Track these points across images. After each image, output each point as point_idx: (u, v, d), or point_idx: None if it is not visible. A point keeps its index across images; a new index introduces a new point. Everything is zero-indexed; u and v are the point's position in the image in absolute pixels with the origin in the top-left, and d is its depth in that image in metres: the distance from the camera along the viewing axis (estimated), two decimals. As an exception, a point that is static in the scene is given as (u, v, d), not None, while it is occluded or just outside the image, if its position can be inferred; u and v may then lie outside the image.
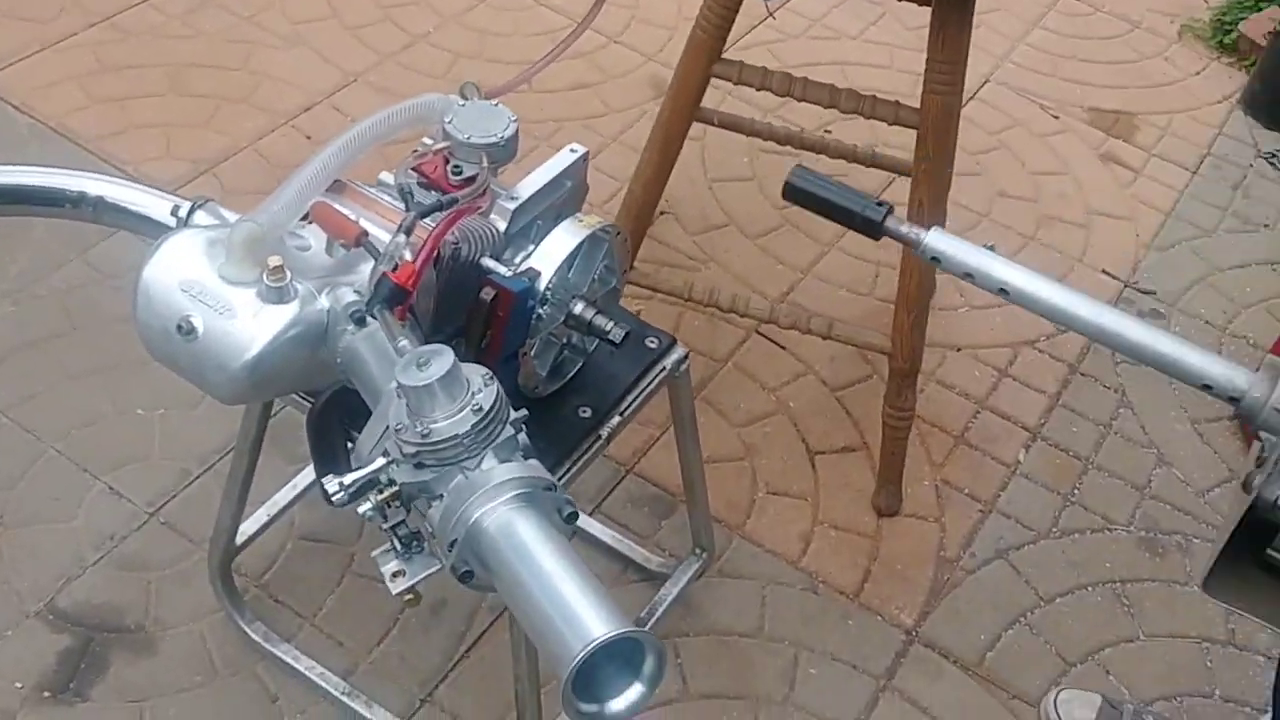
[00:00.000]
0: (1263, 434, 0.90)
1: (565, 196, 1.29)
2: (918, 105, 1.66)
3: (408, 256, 1.10)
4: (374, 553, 0.98)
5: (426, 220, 1.14)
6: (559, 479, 1.30)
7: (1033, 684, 1.85)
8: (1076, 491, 2.11)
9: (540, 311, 1.22)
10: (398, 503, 0.94)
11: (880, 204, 1.00)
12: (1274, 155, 2.86)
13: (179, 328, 1.05)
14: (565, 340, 1.35)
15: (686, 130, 1.81)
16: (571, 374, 1.39)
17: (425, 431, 0.91)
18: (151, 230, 1.16)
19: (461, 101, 1.24)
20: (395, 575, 0.96)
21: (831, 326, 1.84)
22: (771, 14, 2.81)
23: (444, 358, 0.91)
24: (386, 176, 1.24)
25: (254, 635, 1.72)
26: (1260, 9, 3.11)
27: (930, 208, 1.73)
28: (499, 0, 2.87)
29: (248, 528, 1.72)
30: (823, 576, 1.94)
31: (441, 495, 0.92)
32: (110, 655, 1.72)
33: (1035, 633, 1.91)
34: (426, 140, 1.25)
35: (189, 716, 1.67)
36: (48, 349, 2.05)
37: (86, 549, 1.82)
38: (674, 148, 1.82)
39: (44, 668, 1.69)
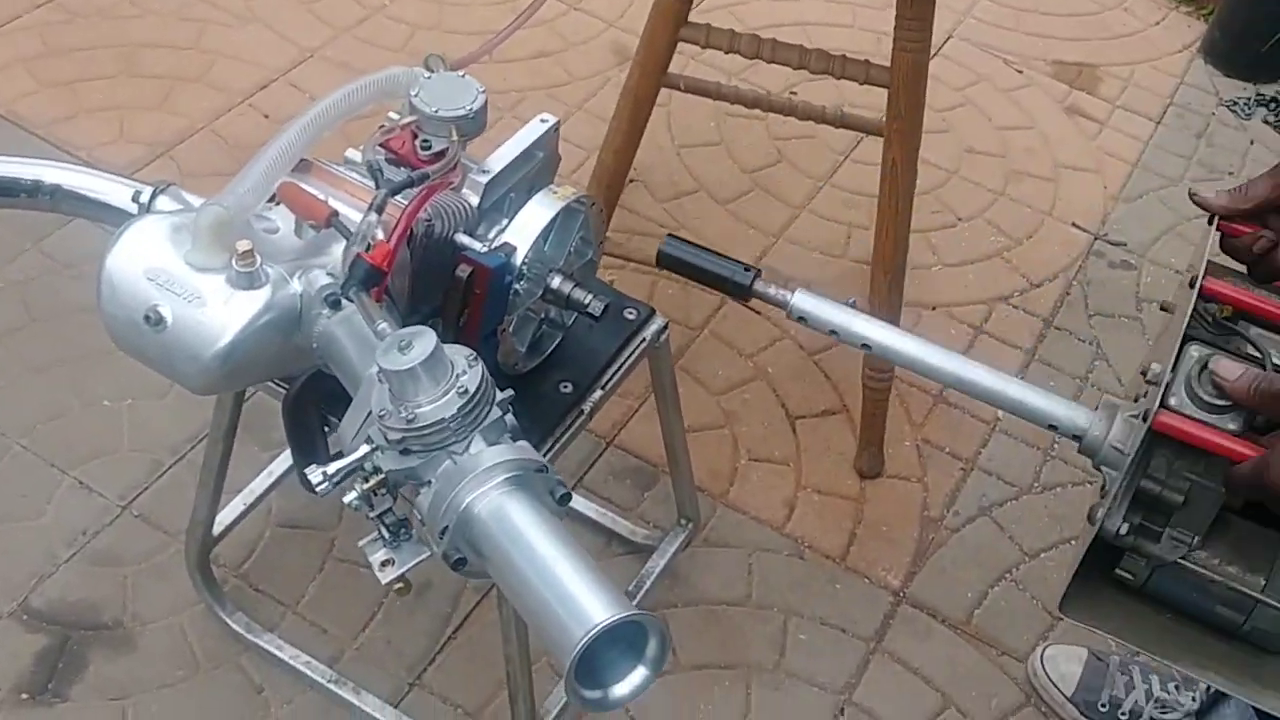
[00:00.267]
0: (1103, 468, 0.94)
1: (537, 168, 1.26)
2: (886, 64, 1.64)
3: (380, 236, 1.07)
4: (361, 542, 0.95)
5: (398, 198, 1.11)
6: (544, 456, 1.28)
7: (1021, 639, 1.85)
8: (1056, 446, 2.11)
9: (518, 287, 1.20)
10: (384, 490, 0.91)
11: (748, 269, 1.07)
12: (1235, 103, 2.87)
13: (147, 318, 1.01)
14: (543, 315, 1.32)
15: (655, 95, 1.78)
16: (551, 349, 1.37)
17: (410, 417, 0.88)
18: (112, 218, 1.12)
19: (427, 74, 1.21)
20: (384, 564, 0.93)
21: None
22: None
23: (426, 339, 0.88)
24: (354, 154, 1.21)
25: (236, 626, 1.70)
26: (1218, -44, 3.10)
27: (903, 167, 1.71)
28: (455, -30, 2.82)
29: (224, 517, 1.69)
30: (808, 541, 1.93)
31: (429, 481, 0.89)
32: (89, 653, 1.68)
33: (1021, 588, 1.92)
34: (393, 115, 1.21)
35: (172, 712, 1.65)
36: (7, 342, 2.00)
37: (58, 546, 1.78)
38: (644, 114, 1.79)
39: (20, 669, 1.66)
